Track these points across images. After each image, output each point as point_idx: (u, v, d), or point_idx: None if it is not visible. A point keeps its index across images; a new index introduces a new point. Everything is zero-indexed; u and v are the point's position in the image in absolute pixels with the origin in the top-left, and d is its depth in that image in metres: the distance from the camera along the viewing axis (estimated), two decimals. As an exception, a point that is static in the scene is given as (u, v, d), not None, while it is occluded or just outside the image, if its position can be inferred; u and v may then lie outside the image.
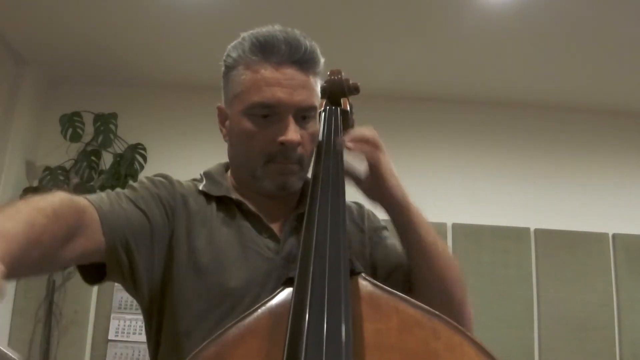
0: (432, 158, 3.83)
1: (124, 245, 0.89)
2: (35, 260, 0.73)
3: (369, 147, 0.96)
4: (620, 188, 3.80)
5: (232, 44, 1.02)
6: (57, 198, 0.80)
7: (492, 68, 3.50)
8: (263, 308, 0.78)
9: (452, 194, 3.72)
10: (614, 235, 3.68)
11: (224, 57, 1.03)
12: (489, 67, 3.49)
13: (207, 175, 1.07)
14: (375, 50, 3.31)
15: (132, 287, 0.94)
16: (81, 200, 0.86)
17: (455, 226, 3.64)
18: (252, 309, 0.78)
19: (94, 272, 0.92)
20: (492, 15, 2.95)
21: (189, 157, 3.52)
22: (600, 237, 3.67)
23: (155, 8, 3.01)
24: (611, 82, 3.58)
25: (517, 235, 3.66)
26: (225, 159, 1.10)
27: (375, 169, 0.96)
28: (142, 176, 1.05)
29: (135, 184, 0.99)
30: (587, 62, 3.36)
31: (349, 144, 0.96)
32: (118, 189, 0.97)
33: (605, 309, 3.55)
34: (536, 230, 3.68)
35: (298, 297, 0.75)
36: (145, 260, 0.92)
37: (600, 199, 3.76)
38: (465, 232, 3.64)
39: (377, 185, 0.97)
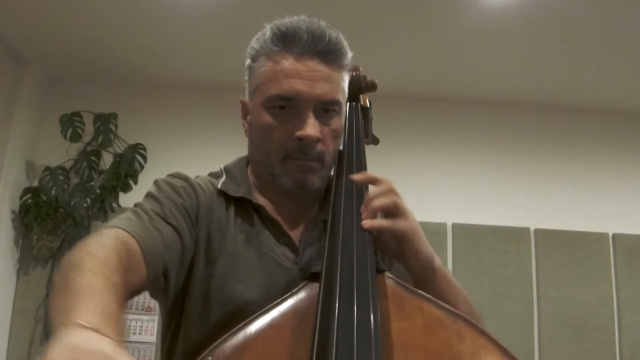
0: (432, 158, 3.82)
1: (163, 271, 0.85)
2: None
3: (389, 220, 0.87)
4: (620, 188, 3.80)
5: (256, 35, 0.98)
6: (112, 243, 0.76)
7: (492, 68, 3.49)
8: (286, 302, 0.78)
9: (452, 194, 3.71)
10: (614, 235, 3.67)
11: (247, 49, 0.99)
12: (489, 67, 3.49)
13: (227, 171, 1.02)
14: (375, 49, 3.31)
15: (163, 297, 0.92)
16: (125, 235, 0.80)
17: (455, 226, 3.64)
18: (274, 303, 0.77)
19: None
20: (492, 15, 2.95)
21: (189, 157, 3.53)
22: (600, 237, 3.67)
23: (155, 8, 3.01)
24: (611, 82, 3.58)
25: (517, 235, 3.66)
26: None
27: (398, 239, 0.89)
28: (159, 178, 0.97)
29: (157, 193, 0.93)
30: (587, 62, 3.36)
31: (367, 223, 0.86)
32: (143, 204, 0.90)
33: (605, 309, 3.55)
34: (536, 230, 3.68)
35: (326, 289, 0.75)
36: (177, 274, 0.89)
37: (600, 199, 3.76)
38: (465, 232, 3.64)
39: (400, 251, 0.90)
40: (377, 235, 0.87)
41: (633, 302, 3.56)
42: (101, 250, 0.72)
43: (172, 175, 0.98)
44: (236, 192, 0.98)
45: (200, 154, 3.41)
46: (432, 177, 3.76)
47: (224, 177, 1.00)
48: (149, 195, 0.93)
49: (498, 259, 3.60)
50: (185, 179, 0.97)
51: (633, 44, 3.14)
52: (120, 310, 0.65)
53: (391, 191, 0.89)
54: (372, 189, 0.92)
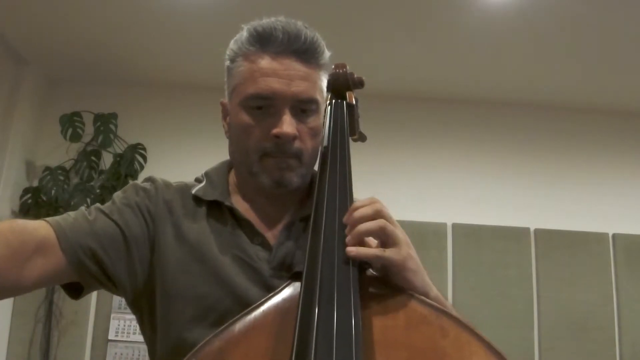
0: (432, 158, 3.82)
1: (89, 256, 0.88)
2: None
3: (378, 250, 0.80)
4: (620, 188, 3.80)
5: (234, 37, 1.00)
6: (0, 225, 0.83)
7: (492, 68, 3.49)
8: (269, 302, 0.78)
9: (452, 194, 3.71)
10: (614, 235, 3.67)
11: (226, 51, 1.00)
12: (489, 67, 3.49)
13: (208, 175, 1.04)
14: (374, 49, 3.31)
15: (116, 291, 0.94)
16: (35, 222, 0.87)
17: (455, 226, 3.64)
18: (258, 303, 0.77)
19: (76, 287, 0.92)
20: (492, 15, 2.95)
21: (189, 157, 3.52)
22: (600, 237, 3.67)
23: (155, 8, 3.01)
24: (611, 82, 3.58)
25: (517, 235, 3.66)
26: (225, 158, 1.08)
27: (389, 268, 0.81)
28: (135, 181, 1.04)
29: (117, 195, 0.98)
30: (587, 61, 3.36)
31: (352, 251, 0.78)
32: (97, 204, 0.97)
33: (605, 309, 3.55)
34: (536, 230, 3.68)
35: (307, 289, 0.75)
36: (124, 266, 0.91)
37: (600, 199, 3.76)
38: (465, 232, 3.64)
39: (393, 279, 0.83)
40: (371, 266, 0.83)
41: (633, 302, 3.56)
42: None
43: (144, 180, 1.03)
44: (210, 195, 0.99)
45: (200, 154, 3.39)
46: (432, 177, 3.76)
47: (204, 182, 1.02)
48: (112, 198, 0.99)
49: (498, 259, 3.60)
50: (151, 180, 1.02)
51: (633, 44, 3.14)
52: None
53: (378, 211, 0.81)
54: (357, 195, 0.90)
